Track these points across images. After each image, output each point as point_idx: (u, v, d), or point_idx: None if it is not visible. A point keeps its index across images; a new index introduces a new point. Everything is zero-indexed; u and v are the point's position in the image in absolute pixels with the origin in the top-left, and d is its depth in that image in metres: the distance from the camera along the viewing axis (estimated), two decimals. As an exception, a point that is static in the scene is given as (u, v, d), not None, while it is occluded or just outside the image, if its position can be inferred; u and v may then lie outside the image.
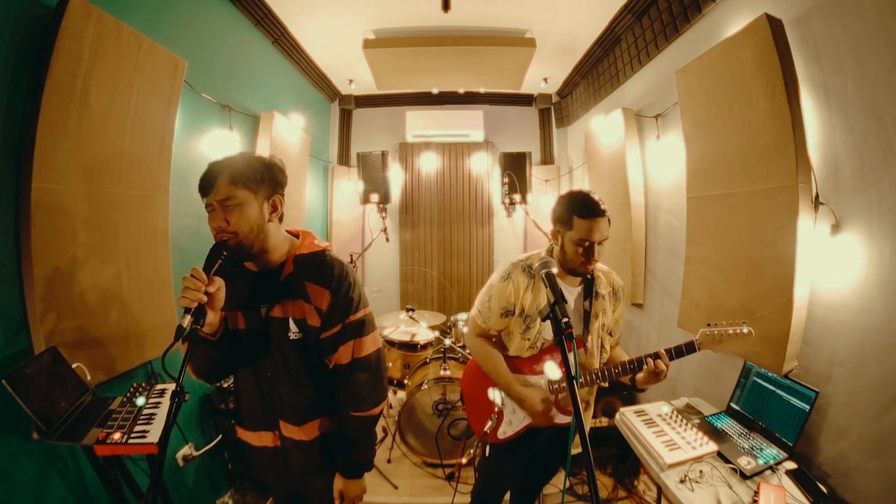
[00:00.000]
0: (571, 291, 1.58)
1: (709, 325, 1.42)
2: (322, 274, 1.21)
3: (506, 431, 1.64)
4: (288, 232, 1.29)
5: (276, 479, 1.39)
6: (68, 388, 1.51)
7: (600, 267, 1.65)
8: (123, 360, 1.88)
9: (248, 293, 1.23)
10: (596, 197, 1.45)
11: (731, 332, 1.39)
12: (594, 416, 2.65)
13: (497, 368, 1.59)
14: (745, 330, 1.38)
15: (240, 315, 1.25)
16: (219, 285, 1.06)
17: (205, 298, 1.01)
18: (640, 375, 1.46)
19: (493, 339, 1.68)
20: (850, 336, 1.52)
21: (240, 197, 1.11)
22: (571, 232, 1.45)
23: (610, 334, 1.65)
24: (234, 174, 1.11)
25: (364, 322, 1.27)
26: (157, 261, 2.09)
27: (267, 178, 1.17)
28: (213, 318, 1.07)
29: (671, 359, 1.42)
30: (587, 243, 1.43)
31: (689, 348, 1.42)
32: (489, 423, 1.59)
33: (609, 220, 1.46)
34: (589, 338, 1.57)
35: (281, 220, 1.23)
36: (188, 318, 0.99)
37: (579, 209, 1.43)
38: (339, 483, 1.30)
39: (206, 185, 1.12)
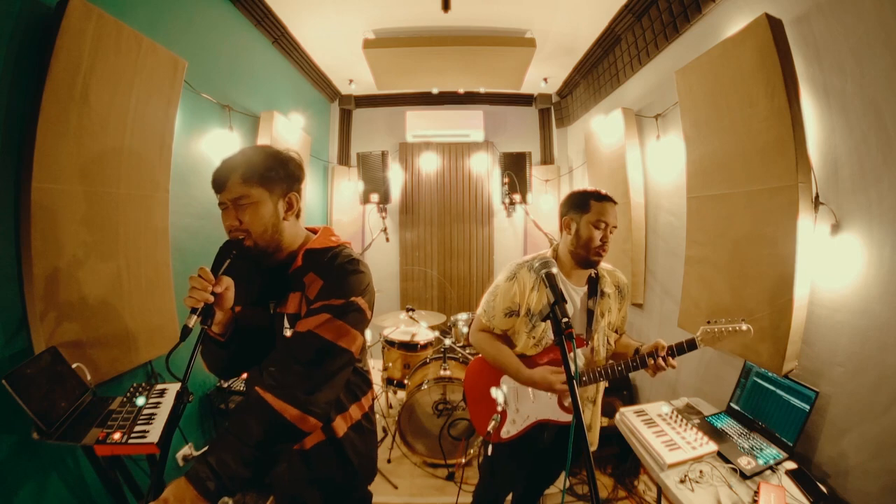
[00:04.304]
0: (577, 291, 1.59)
1: (708, 322, 1.44)
2: (325, 265, 1.11)
3: (509, 431, 1.64)
4: (308, 229, 1.25)
5: (276, 481, 1.34)
6: (68, 388, 1.51)
7: (604, 266, 1.66)
8: (123, 360, 1.88)
9: (259, 290, 1.20)
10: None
11: (730, 329, 1.40)
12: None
13: (503, 356, 1.59)
14: (745, 327, 1.40)
15: (251, 312, 1.21)
16: (227, 285, 1.03)
17: (211, 299, 0.99)
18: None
19: (501, 337, 1.68)
20: (850, 336, 1.52)
21: (254, 196, 1.06)
22: (589, 214, 1.52)
23: (615, 331, 1.67)
24: (247, 172, 1.06)
25: (350, 309, 1.05)
26: (157, 261, 2.09)
27: (283, 175, 1.10)
28: (221, 317, 1.05)
29: (671, 356, 1.44)
30: (603, 224, 1.50)
31: (690, 345, 1.43)
32: (492, 423, 1.59)
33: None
34: (595, 336, 1.58)
35: (298, 216, 1.18)
36: (194, 318, 0.97)
37: (595, 194, 1.55)
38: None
39: (219, 183, 1.07)
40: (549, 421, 1.61)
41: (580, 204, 1.54)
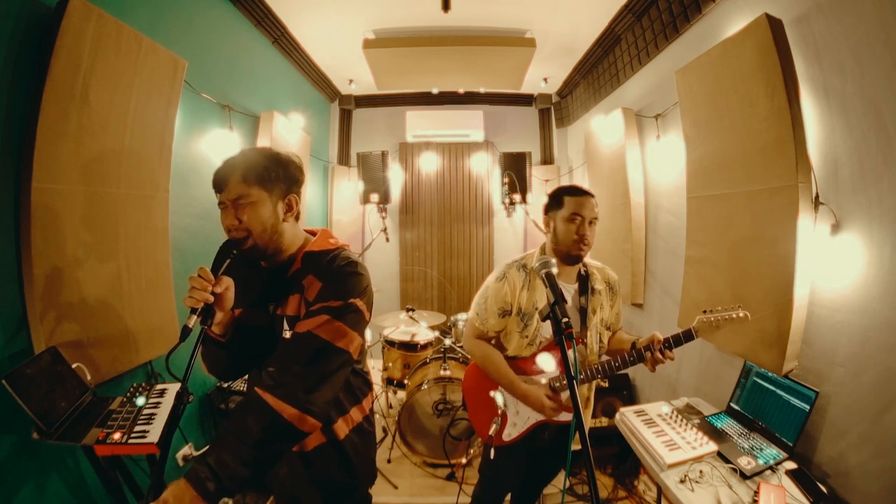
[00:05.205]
0: (567, 289, 1.59)
1: (705, 311, 1.41)
2: (324, 267, 1.12)
3: (511, 433, 1.63)
4: (307, 231, 1.25)
5: (276, 483, 1.33)
6: (68, 388, 1.51)
7: (594, 263, 1.66)
8: (123, 360, 1.88)
9: (258, 291, 1.21)
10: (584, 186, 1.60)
11: (727, 316, 1.37)
12: (594, 416, 2.64)
13: (498, 367, 1.59)
14: (741, 314, 1.36)
15: (251, 313, 1.22)
16: (227, 285, 1.04)
17: (211, 299, 0.99)
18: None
19: (492, 341, 1.68)
20: (850, 336, 1.52)
21: (253, 195, 1.07)
22: (563, 210, 1.53)
23: (608, 328, 1.66)
24: (247, 172, 1.07)
25: (348, 310, 1.06)
26: (157, 261, 2.09)
27: (282, 177, 1.11)
28: (221, 318, 1.06)
29: (669, 348, 1.40)
30: (578, 218, 1.50)
31: (686, 336, 1.39)
32: (493, 427, 1.59)
33: (596, 205, 1.55)
34: (588, 334, 1.58)
35: (297, 218, 1.19)
36: (194, 318, 0.97)
37: (569, 189, 1.57)
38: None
39: (219, 182, 1.08)
40: (549, 421, 1.60)
41: (555, 201, 1.57)
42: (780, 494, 1.34)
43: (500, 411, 1.59)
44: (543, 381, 1.59)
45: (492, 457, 1.61)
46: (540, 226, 4.10)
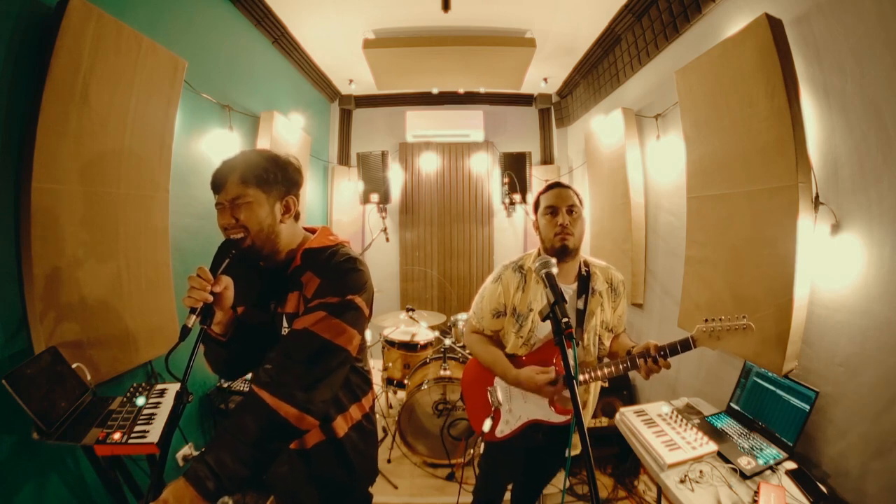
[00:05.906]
0: (566, 289, 1.56)
1: (706, 320, 1.34)
2: (322, 263, 1.12)
3: (503, 430, 1.64)
4: (306, 229, 1.25)
5: (275, 480, 1.32)
6: (68, 388, 1.51)
7: (597, 263, 1.64)
8: (123, 360, 1.88)
9: (259, 290, 1.21)
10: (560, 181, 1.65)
11: (729, 326, 1.30)
12: (594, 417, 2.64)
13: (494, 357, 1.59)
14: (745, 323, 1.29)
15: (253, 312, 1.22)
16: (226, 284, 1.04)
17: (210, 298, 1.00)
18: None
19: (492, 339, 1.69)
20: (850, 336, 1.52)
21: (250, 196, 1.07)
22: (541, 208, 1.57)
23: (610, 331, 1.63)
24: (245, 173, 1.07)
25: (346, 307, 1.05)
26: (157, 261, 2.09)
27: (281, 179, 1.12)
28: (221, 317, 1.06)
29: (664, 357, 1.35)
30: (553, 209, 1.53)
31: (684, 345, 1.33)
32: (487, 422, 1.59)
33: (579, 198, 1.57)
34: (585, 336, 1.56)
35: (297, 218, 1.19)
36: (193, 317, 0.97)
37: (543, 189, 1.62)
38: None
39: (217, 183, 1.08)
40: (540, 421, 1.60)
41: (535, 204, 1.62)
42: (780, 494, 1.34)
43: (493, 408, 1.60)
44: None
45: (482, 450, 1.62)
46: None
